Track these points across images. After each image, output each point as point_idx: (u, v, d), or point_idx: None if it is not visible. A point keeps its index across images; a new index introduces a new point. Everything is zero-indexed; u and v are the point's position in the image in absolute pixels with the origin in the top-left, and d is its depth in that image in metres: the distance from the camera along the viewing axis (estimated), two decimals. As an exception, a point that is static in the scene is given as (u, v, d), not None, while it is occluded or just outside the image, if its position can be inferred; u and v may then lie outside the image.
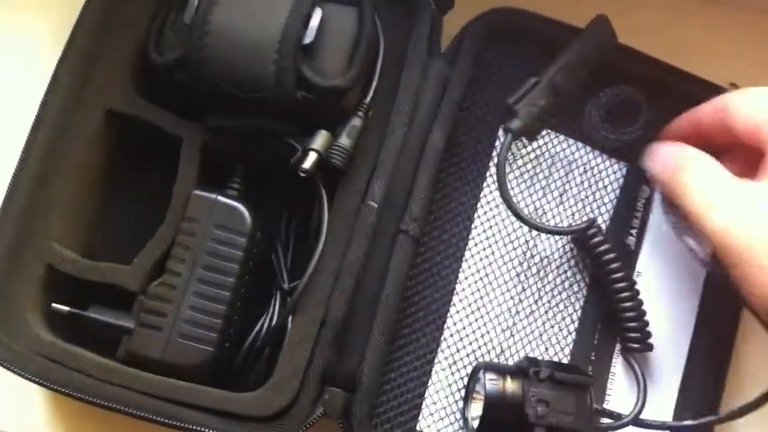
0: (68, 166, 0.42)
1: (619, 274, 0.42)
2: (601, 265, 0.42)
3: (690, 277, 0.44)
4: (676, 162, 0.40)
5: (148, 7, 0.43)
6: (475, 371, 0.40)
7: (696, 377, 0.43)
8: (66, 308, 0.41)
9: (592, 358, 0.43)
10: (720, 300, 0.44)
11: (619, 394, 0.43)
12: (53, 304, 0.41)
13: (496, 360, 0.43)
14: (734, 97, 0.39)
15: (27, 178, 0.41)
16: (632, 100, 0.44)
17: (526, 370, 0.39)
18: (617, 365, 0.43)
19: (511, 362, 0.42)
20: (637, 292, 0.42)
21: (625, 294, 0.42)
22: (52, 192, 0.42)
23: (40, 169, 0.41)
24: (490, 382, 0.38)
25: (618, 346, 0.43)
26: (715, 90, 0.43)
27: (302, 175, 0.40)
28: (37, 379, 0.39)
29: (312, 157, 0.40)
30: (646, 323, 0.42)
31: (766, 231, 0.35)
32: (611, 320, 0.43)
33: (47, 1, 0.49)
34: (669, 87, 0.44)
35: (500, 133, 0.45)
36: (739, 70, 0.45)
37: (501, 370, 0.39)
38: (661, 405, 0.43)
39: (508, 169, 0.44)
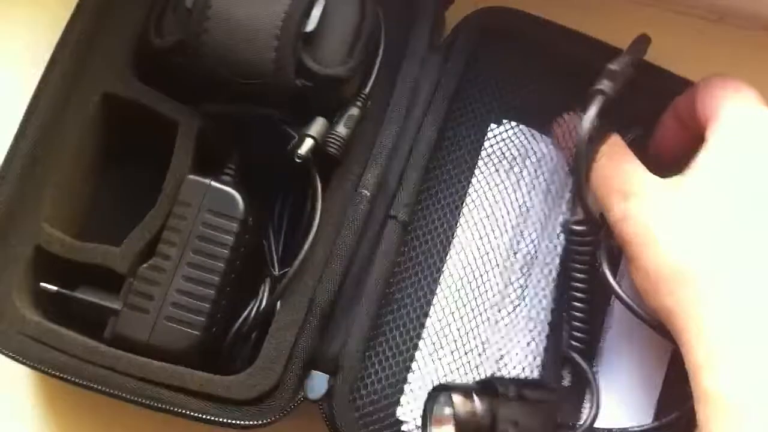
0: (63, 147, 0.42)
1: (581, 273, 0.41)
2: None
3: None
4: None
5: (147, -9, 0.43)
6: (436, 391, 0.39)
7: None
8: (53, 287, 0.40)
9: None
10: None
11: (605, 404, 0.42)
12: (41, 284, 0.40)
13: (481, 351, 0.42)
14: (703, 80, 0.39)
15: (20, 158, 0.41)
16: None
17: (494, 388, 0.38)
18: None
19: (494, 351, 0.42)
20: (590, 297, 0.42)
21: (579, 294, 0.41)
22: (44, 173, 0.41)
23: (34, 149, 0.41)
24: (460, 404, 0.37)
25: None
26: None
27: (298, 160, 0.39)
28: (19, 358, 0.38)
29: (308, 143, 0.39)
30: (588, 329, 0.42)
31: (668, 221, 0.35)
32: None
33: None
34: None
35: (492, 126, 0.45)
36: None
37: (466, 390, 0.38)
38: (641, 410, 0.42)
39: (492, 170, 0.44)
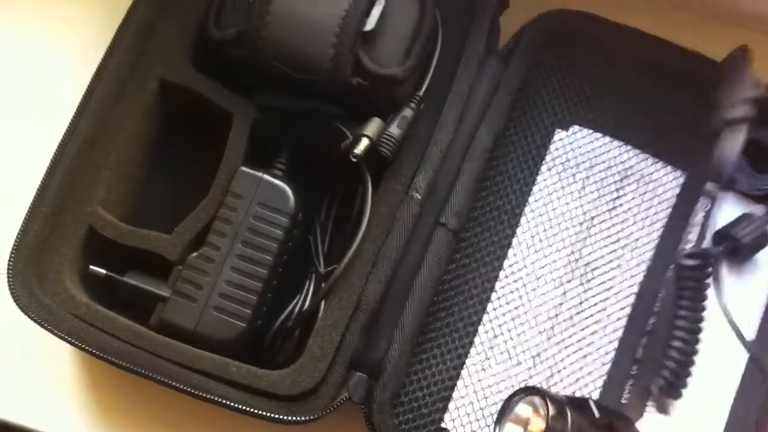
0: (118, 132, 0.43)
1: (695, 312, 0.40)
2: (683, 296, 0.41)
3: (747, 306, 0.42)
4: None
5: (209, -19, 0.44)
6: (526, 392, 0.37)
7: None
8: (103, 271, 0.41)
9: (629, 382, 0.41)
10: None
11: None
12: (90, 267, 0.41)
13: (532, 365, 0.41)
14: None
15: (76, 140, 0.41)
16: None
17: (588, 409, 0.36)
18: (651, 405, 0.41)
19: (546, 366, 0.41)
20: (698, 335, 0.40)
21: (687, 333, 0.40)
22: (99, 156, 0.42)
23: (90, 132, 0.42)
24: (553, 414, 0.34)
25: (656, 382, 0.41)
26: None
27: (353, 160, 0.39)
28: (68, 338, 0.39)
29: (364, 143, 0.40)
30: (689, 372, 0.40)
31: None
32: (654, 345, 0.41)
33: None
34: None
35: (558, 131, 0.44)
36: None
37: (560, 402, 0.35)
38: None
39: (556, 177, 0.44)
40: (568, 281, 0.43)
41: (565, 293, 0.43)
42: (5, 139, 0.49)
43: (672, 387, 0.40)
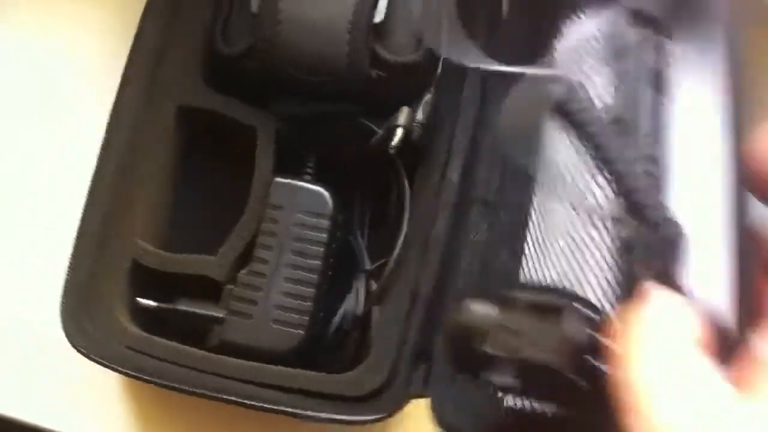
0: (145, 163, 0.43)
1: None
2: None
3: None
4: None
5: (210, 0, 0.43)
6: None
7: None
8: (153, 303, 0.41)
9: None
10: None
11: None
12: (138, 299, 0.41)
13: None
14: None
15: (108, 177, 0.41)
16: None
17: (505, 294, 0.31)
18: None
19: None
20: None
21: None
22: (132, 189, 0.42)
23: (119, 167, 0.42)
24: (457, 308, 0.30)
25: None
26: None
27: (390, 152, 0.39)
28: (131, 372, 0.39)
29: (399, 133, 0.40)
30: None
31: None
32: None
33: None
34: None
35: None
36: None
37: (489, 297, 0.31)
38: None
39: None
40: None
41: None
42: (6, 140, 0.49)
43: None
